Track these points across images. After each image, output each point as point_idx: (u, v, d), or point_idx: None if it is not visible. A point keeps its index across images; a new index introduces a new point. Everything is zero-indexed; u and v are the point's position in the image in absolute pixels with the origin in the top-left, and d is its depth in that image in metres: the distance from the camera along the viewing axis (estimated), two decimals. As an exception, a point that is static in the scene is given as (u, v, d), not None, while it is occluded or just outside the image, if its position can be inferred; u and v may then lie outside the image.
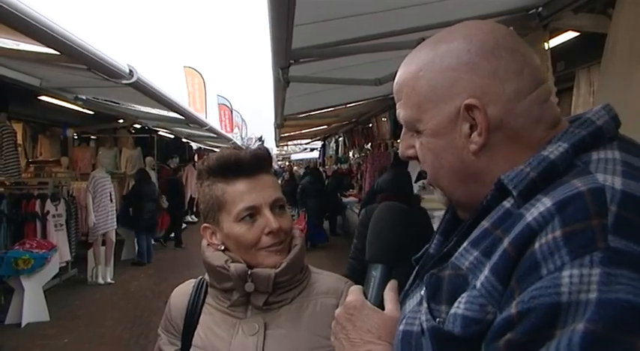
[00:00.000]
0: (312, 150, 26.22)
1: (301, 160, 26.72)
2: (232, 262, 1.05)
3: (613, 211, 0.53)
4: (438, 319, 0.63)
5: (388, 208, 0.90)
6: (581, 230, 0.53)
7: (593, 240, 0.52)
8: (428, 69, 0.70)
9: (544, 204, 0.58)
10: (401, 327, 0.71)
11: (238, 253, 1.06)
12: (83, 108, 7.23)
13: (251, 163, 1.05)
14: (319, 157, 19.83)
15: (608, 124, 0.65)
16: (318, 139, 19.47)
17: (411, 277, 0.80)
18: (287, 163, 25.20)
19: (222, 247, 1.08)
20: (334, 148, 17.05)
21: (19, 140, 7.97)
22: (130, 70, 4.15)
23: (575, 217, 0.54)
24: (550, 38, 2.90)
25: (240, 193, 1.04)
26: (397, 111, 0.76)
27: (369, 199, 4.40)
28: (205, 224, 1.11)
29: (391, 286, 0.80)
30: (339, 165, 13.89)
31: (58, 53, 3.36)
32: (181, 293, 1.17)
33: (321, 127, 12.71)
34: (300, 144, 26.81)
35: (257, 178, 1.05)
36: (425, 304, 0.66)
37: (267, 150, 1.10)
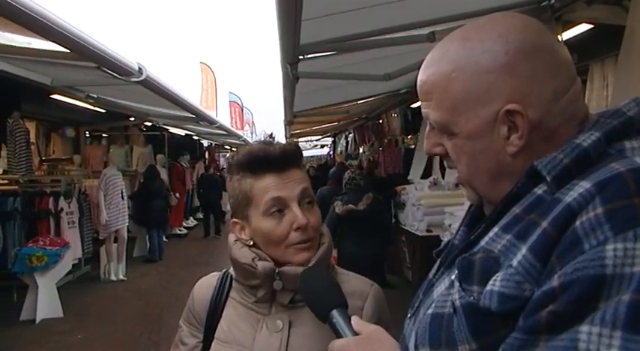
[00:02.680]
0: (322, 146, 26.19)
1: (312, 156, 26.69)
2: (260, 260, 1.03)
3: None
4: (471, 297, 0.64)
5: (306, 273, 0.96)
6: (623, 207, 0.54)
7: (636, 216, 0.53)
8: (462, 70, 0.68)
9: (583, 186, 0.59)
10: (430, 311, 0.71)
11: (267, 248, 1.05)
12: (94, 106, 7.29)
13: (280, 157, 1.03)
14: (329, 154, 19.79)
15: (638, 115, 0.66)
16: (328, 136, 19.43)
17: (435, 267, 0.81)
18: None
19: (251, 243, 1.07)
20: (344, 144, 17.02)
21: (32, 138, 8.05)
22: (140, 68, 4.16)
23: (616, 195, 0.55)
24: (563, 31, 2.85)
25: (268, 186, 1.02)
26: (424, 111, 0.74)
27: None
28: (234, 219, 1.10)
29: (355, 318, 0.82)
30: (349, 161, 13.86)
31: (68, 51, 3.38)
32: (205, 285, 1.15)
33: (331, 124, 12.68)
34: (311, 141, 26.78)
35: (285, 172, 1.03)
36: (457, 284, 0.67)
37: (296, 145, 1.10)
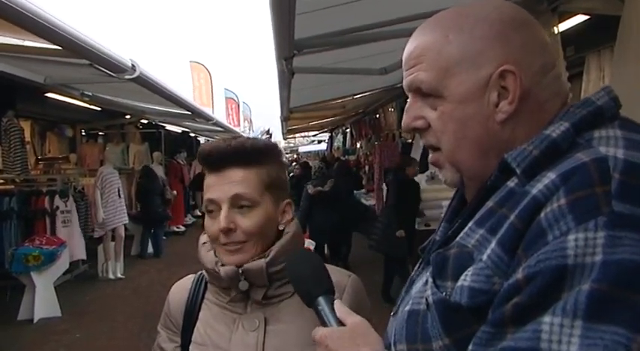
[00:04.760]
0: (319, 142, 26.19)
1: (309, 152, 26.69)
2: (222, 265, 1.03)
3: (616, 178, 0.55)
4: (444, 292, 0.64)
5: (297, 255, 0.93)
6: (586, 197, 0.54)
7: (598, 206, 0.53)
8: (458, 35, 0.69)
9: (549, 177, 0.59)
10: (407, 307, 0.72)
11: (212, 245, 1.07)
12: (90, 104, 7.25)
13: (217, 157, 1.02)
14: (327, 149, 19.78)
15: (607, 104, 0.66)
16: (326, 131, 19.42)
17: (418, 264, 0.81)
18: (294, 156, 25.11)
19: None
20: (341, 139, 17.00)
21: (28, 138, 8.00)
22: (133, 65, 4.12)
23: (579, 185, 0.55)
24: (559, 22, 2.83)
25: (207, 186, 1.03)
26: (410, 77, 0.72)
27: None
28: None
29: (337, 304, 0.81)
30: (346, 156, 13.84)
31: (60, 48, 3.34)
32: (180, 289, 1.15)
33: (328, 119, 12.66)
34: (308, 136, 26.77)
35: (224, 172, 1.02)
36: (430, 280, 0.67)
37: (242, 143, 1.03)
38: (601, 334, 0.49)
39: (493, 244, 0.61)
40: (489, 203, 0.66)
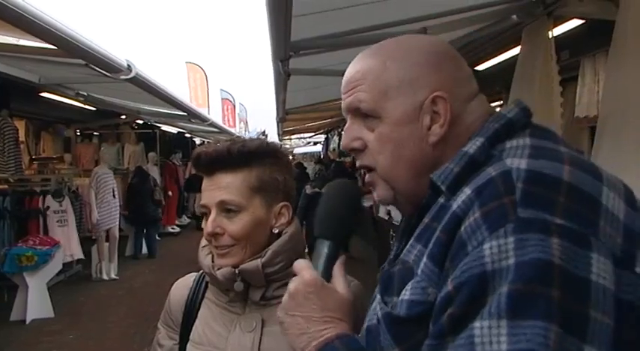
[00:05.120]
0: (315, 143, 26.18)
1: (305, 153, 26.70)
2: (218, 268, 1.03)
3: (519, 187, 0.60)
4: (390, 305, 0.69)
5: (341, 185, 0.89)
6: (495, 208, 0.60)
7: (506, 214, 0.58)
8: (395, 61, 0.75)
9: (465, 193, 0.65)
10: (365, 325, 0.76)
11: None
12: (85, 104, 7.22)
13: (205, 161, 1.03)
14: (322, 150, 19.78)
15: (517, 115, 0.73)
16: (321, 133, 19.42)
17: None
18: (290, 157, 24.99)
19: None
20: (337, 141, 17.01)
21: (22, 137, 7.97)
22: (129, 65, 4.11)
23: (489, 198, 0.61)
24: (554, 26, 2.84)
25: (202, 189, 1.05)
26: (349, 99, 0.77)
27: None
28: None
29: (341, 260, 0.82)
30: (341, 158, 13.84)
31: (55, 48, 3.33)
32: (182, 287, 1.15)
33: (325, 121, 12.66)
34: (303, 138, 26.75)
35: (212, 177, 1.03)
36: (378, 297, 0.73)
37: (227, 147, 1.02)
38: (523, 329, 0.53)
39: (424, 258, 0.66)
40: (425, 219, 0.72)
